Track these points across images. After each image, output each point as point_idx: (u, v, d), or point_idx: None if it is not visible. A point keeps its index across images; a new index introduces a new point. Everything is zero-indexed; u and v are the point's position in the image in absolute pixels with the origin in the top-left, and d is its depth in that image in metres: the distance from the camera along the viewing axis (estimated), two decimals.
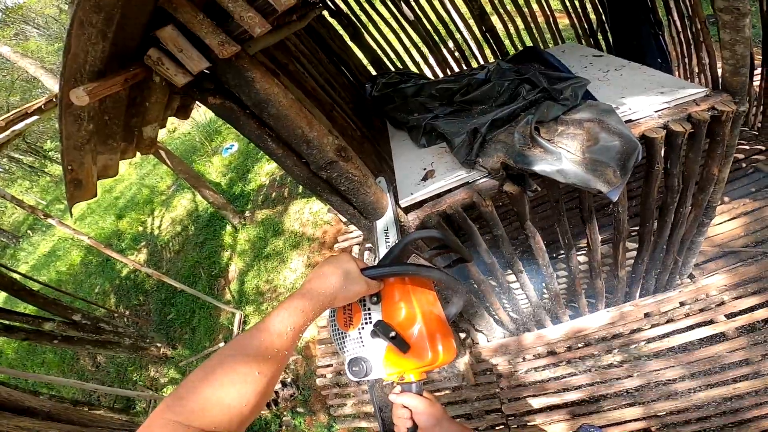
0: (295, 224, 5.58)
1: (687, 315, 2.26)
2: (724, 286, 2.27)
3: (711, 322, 2.23)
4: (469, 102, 1.80)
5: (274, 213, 5.94)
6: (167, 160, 5.04)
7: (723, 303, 2.24)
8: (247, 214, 6.24)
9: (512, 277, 2.29)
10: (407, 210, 1.63)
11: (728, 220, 2.55)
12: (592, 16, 2.88)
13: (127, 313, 6.23)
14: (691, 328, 2.23)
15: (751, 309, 2.17)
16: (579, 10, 2.86)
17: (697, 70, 2.66)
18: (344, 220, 4.43)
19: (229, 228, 6.19)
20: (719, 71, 1.63)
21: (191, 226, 6.89)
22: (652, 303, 2.32)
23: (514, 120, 1.58)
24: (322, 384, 3.05)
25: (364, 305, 0.85)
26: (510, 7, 2.92)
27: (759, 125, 2.86)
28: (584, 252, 2.18)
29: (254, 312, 5.01)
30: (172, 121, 11.12)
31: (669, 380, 2.15)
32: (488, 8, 2.82)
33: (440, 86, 2.01)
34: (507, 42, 3.00)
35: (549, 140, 1.49)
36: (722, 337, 2.22)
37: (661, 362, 2.19)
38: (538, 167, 1.42)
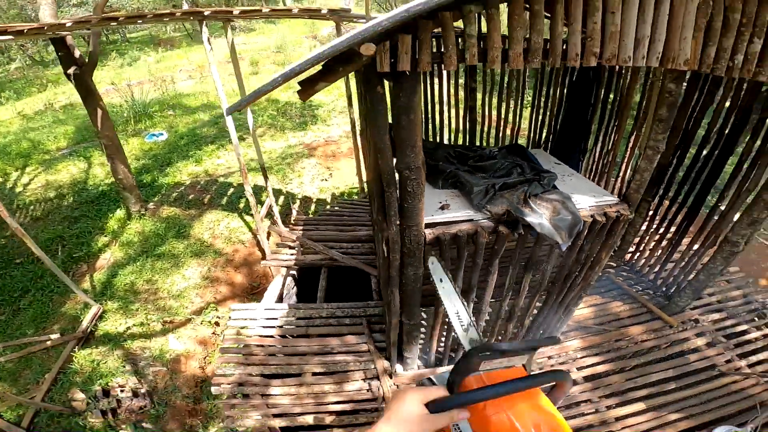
0: (206, 233, 5.26)
1: (552, 365, 3.00)
2: (578, 348, 3.13)
3: (568, 371, 2.92)
4: (479, 168, 2.43)
5: (184, 215, 5.53)
6: (98, 118, 4.59)
7: (576, 359, 3.06)
8: (151, 205, 5.67)
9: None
10: (426, 226, 2.01)
11: (584, 307, 3.48)
12: (544, 135, 3.93)
13: None
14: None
15: (595, 365, 3.03)
16: (537, 129, 3.90)
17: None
18: (284, 231, 4.41)
19: (120, 213, 5.50)
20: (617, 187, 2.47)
21: (70, 197, 5.91)
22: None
23: (513, 188, 2.19)
24: (217, 392, 2.76)
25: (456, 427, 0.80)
26: (494, 113, 3.84)
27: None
28: (512, 298, 2.67)
29: (118, 310, 4.32)
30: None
31: None
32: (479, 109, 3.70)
33: (457, 150, 2.71)
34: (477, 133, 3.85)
35: (534, 205, 2.09)
36: (575, 383, 2.88)
37: None
38: (529, 219, 1.99)
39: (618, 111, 3.50)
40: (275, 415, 2.61)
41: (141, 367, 3.77)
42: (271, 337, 3.23)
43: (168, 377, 3.72)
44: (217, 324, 4.24)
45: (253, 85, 9.18)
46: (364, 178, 5.77)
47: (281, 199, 5.99)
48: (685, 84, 2.68)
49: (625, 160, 3.72)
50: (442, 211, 2.14)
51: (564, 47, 1.46)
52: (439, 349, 2.95)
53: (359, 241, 4.48)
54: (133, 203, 5.38)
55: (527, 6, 1.39)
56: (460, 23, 1.40)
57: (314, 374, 2.89)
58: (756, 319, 3.40)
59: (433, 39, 1.55)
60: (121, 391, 3.48)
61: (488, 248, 2.16)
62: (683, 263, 3.38)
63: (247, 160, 6.92)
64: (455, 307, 1.55)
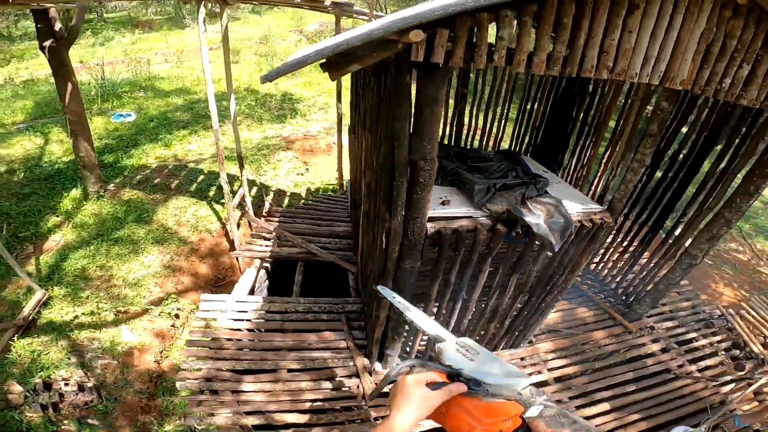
0: (170, 220, 4.96)
1: (524, 366, 3.12)
2: (549, 350, 3.28)
3: (539, 372, 3.10)
4: (476, 168, 2.49)
5: (148, 199, 5.19)
6: (67, 93, 4.25)
7: (547, 360, 3.20)
8: (111, 187, 5.28)
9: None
10: (428, 220, 2.02)
11: (554, 312, 3.61)
12: (524, 146, 4.07)
13: None
14: (529, 374, 3.01)
15: (563, 366, 3.18)
16: (519, 140, 4.03)
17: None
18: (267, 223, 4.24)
19: (76, 192, 5.07)
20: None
21: (21, 172, 5.38)
22: (507, 354, 3.14)
23: (511, 189, 2.26)
24: (182, 387, 2.59)
25: None
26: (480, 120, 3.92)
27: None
28: (497, 298, 2.72)
29: (65, 297, 3.97)
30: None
31: None
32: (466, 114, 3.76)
33: (456, 149, 2.81)
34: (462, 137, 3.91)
35: (531, 207, 2.16)
36: (545, 384, 3.03)
37: None
38: (527, 219, 2.06)
39: (596, 128, 3.70)
40: (248, 413, 2.49)
41: (88, 359, 3.48)
42: (244, 330, 3.10)
43: (119, 371, 3.45)
44: (177, 316, 4.00)
45: (234, 74, 8.88)
46: (346, 175, 5.72)
47: (254, 190, 5.79)
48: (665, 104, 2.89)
49: (598, 174, 3.94)
50: (443, 206, 2.15)
51: (581, 60, 1.54)
52: (421, 344, 2.96)
53: (337, 236, 4.42)
54: (92, 183, 4.98)
55: (556, 17, 1.45)
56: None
57: (290, 371, 2.80)
58: (703, 328, 3.70)
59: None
60: (65, 384, 3.19)
61: (483, 247, 2.20)
62: (644, 274, 3.62)
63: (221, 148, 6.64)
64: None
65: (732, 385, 3.10)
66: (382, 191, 2.00)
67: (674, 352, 3.39)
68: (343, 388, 2.72)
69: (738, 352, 3.48)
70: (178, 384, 2.63)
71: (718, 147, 3.11)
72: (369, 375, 2.81)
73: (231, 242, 4.82)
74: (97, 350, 3.57)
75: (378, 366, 2.91)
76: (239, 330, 3.08)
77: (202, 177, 5.87)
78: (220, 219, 5.17)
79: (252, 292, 3.82)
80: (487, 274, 2.36)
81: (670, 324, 3.65)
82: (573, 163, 4.04)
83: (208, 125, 7.33)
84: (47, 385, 3.19)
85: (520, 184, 2.27)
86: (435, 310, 2.56)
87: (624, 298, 3.86)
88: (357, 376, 2.81)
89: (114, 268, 4.31)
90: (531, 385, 0.87)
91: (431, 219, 2.04)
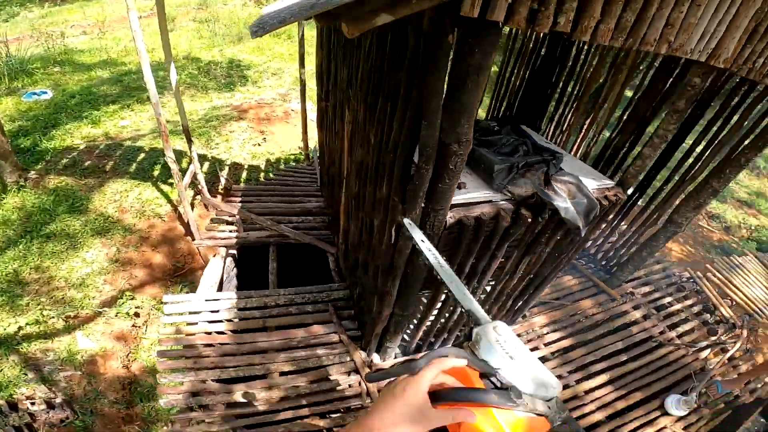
0: (110, 207, 4.30)
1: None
2: (543, 324, 3.25)
3: (537, 348, 3.07)
4: (485, 143, 2.20)
5: (79, 185, 4.44)
6: None
7: (542, 335, 3.17)
8: (33, 175, 4.44)
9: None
10: None
11: None
12: (502, 110, 3.88)
13: None
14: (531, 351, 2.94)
15: (558, 340, 3.16)
16: (497, 104, 3.86)
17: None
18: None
19: None
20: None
21: None
22: None
23: (533, 168, 2.00)
24: (168, 405, 2.23)
25: None
26: None
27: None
28: (506, 280, 2.58)
29: (2, 307, 3.33)
30: None
31: None
32: None
33: None
34: None
35: (556, 188, 1.95)
36: (545, 360, 2.99)
37: None
38: (556, 203, 1.84)
39: (578, 95, 3.58)
40: (249, 426, 2.21)
41: (48, 373, 2.98)
42: (221, 333, 2.74)
43: (86, 382, 2.99)
44: (137, 315, 3.52)
45: (170, 42, 7.78)
46: (312, 144, 5.26)
47: (206, 165, 5.18)
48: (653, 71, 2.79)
49: (578, 141, 3.86)
50: (459, 190, 1.89)
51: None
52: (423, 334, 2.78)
53: (310, 213, 4.06)
54: (8, 172, 4.14)
55: None
56: None
57: (282, 374, 2.52)
58: (675, 292, 3.87)
59: None
60: (32, 403, 2.72)
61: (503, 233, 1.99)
62: (624, 239, 3.66)
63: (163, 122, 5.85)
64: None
65: (708, 351, 3.26)
66: (395, 178, 1.70)
67: (654, 318, 3.50)
68: (344, 387, 2.51)
69: (708, 316, 3.67)
70: (161, 402, 2.28)
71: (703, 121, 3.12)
72: (369, 368, 2.60)
73: (186, 226, 4.29)
74: (54, 362, 3.07)
75: (376, 358, 2.70)
76: (217, 333, 2.72)
77: (142, 155, 5.13)
78: (170, 201, 4.57)
79: (220, 286, 3.41)
80: (500, 258, 2.17)
81: (646, 289, 3.77)
82: (551, 129, 3.93)
83: (142, 98, 6.43)
84: (12, 406, 2.72)
85: (540, 161, 2.06)
86: (443, 297, 2.37)
87: (603, 263, 3.92)
88: (356, 371, 2.59)
89: (52, 268, 3.67)
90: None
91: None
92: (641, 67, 3.61)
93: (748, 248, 6.17)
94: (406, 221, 1.64)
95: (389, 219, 1.89)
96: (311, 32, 8.46)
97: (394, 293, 2.11)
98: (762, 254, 5.07)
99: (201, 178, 4.23)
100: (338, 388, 2.51)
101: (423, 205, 1.65)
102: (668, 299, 3.72)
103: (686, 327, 3.48)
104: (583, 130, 3.78)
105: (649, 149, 2.21)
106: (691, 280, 3.99)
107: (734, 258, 4.65)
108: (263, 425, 2.25)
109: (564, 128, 3.87)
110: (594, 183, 2.21)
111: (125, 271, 3.83)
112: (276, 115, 6.45)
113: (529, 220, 1.90)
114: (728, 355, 3.09)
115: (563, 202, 1.86)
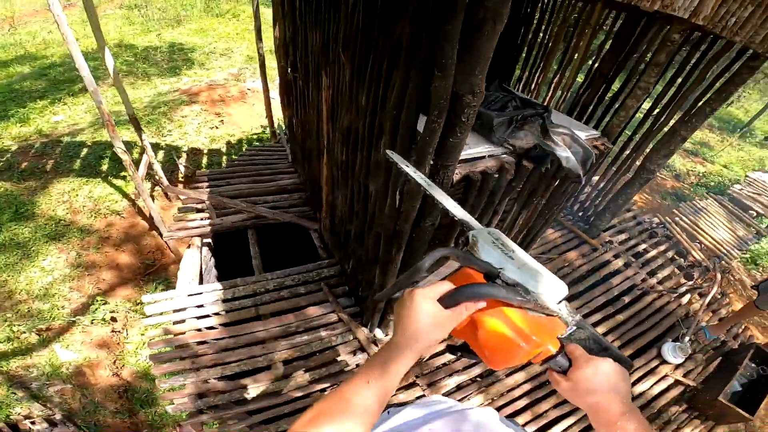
0: (60, 209, 3.88)
1: None
2: None
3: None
4: None
5: (19, 189, 3.96)
6: None
7: None
8: None
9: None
10: None
11: None
12: None
13: None
14: None
15: None
16: None
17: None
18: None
19: None
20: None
21: None
22: None
23: (530, 121, 1.96)
24: (177, 411, 2.06)
25: None
26: None
27: None
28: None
29: None
30: None
31: None
32: None
33: None
34: None
35: (555, 138, 1.92)
36: None
37: None
38: (557, 152, 1.83)
39: (544, 54, 3.59)
40: (265, 422, 2.09)
41: (36, 389, 2.71)
42: (214, 328, 2.57)
43: (80, 394, 2.74)
44: (113, 320, 3.24)
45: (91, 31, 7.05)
46: (278, 121, 4.99)
47: (161, 154, 4.80)
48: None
49: (547, 99, 3.89)
50: None
51: None
52: None
53: (285, 191, 3.87)
54: None
55: None
56: None
57: (286, 362, 2.40)
58: (648, 238, 4.06)
59: None
60: (32, 423, 2.46)
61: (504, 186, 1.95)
62: (600, 187, 3.77)
63: (98, 114, 5.31)
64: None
65: (688, 296, 3.45)
66: (400, 136, 1.59)
67: (635, 266, 3.64)
68: (352, 367, 2.43)
69: (682, 260, 3.88)
70: (169, 409, 2.10)
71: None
72: (375, 345, 2.54)
73: (149, 220, 3.99)
74: (39, 378, 2.81)
75: (379, 333, 2.64)
76: (208, 329, 2.54)
77: (85, 150, 4.67)
78: (125, 196, 4.21)
79: (201, 278, 3.19)
80: (501, 214, 2.15)
81: (622, 237, 3.92)
82: (519, 88, 3.94)
83: (74, 90, 5.84)
84: (13, 427, 2.45)
85: (534, 114, 2.01)
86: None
87: (581, 214, 4.04)
88: (363, 350, 2.52)
89: (10, 281, 3.28)
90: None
91: None
92: (605, 26, 3.65)
93: (698, 193, 6.64)
94: (389, 152, 1.54)
95: (392, 182, 1.78)
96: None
97: (398, 261, 2.04)
98: (720, 197, 5.42)
99: (158, 167, 3.90)
100: (347, 369, 2.43)
101: (432, 162, 1.56)
102: (643, 246, 3.89)
103: (665, 273, 3.66)
104: (551, 90, 3.81)
105: (632, 100, 2.25)
106: (661, 226, 4.21)
107: (696, 202, 4.97)
108: (280, 418, 2.14)
109: (533, 88, 3.88)
110: (583, 134, 2.21)
111: (91, 275, 3.51)
112: (231, 96, 6.05)
113: (531, 170, 1.88)
114: (708, 299, 3.22)
115: (564, 152, 1.85)
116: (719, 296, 3.59)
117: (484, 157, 1.83)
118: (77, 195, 4.06)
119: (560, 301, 0.69)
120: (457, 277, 0.72)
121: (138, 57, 7.16)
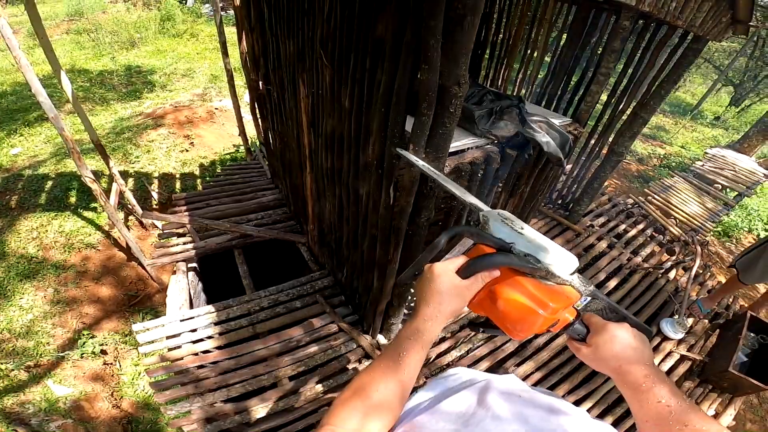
0: (30, 246, 3.68)
1: None
2: None
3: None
4: None
5: None
6: None
7: None
8: None
9: None
10: None
11: None
12: None
13: None
14: None
15: None
16: None
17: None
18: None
19: None
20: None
21: None
22: None
23: (508, 111, 2.03)
24: None
25: None
26: None
27: None
28: None
29: None
30: None
31: None
32: None
33: None
34: None
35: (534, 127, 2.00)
36: None
37: None
38: (537, 138, 1.91)
39: (507, 51, 3.71)
40: None
41: (36, 425, 2.54)
42: (211, 351, 2.48)
43: (83, 429, 2.58)
44: (104, 353, 3.09)
45: (40, 57, 6.77)
46: (251, 138, 4.93)
47: (131, 182, 4.64)
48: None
49: (514, 92, 4.01)
50: None
51: None
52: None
53: (268, 208, 3.82)
54: None
55: None
56: None
57: (291, 378, 2.35)
58: (626, 219, 4.22)
59: None
60: None
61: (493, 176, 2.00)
62: (578, 175, 3.91)
63: (59, 143, 5.11)
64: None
65: (674, 271, 3.59)
66: (390, 134, 1.61)
67: (619, 246, 3.77)
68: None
69: (661, 237, 4.05)
70: None
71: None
72: (379, 351, 2.52)
73: (126, 250, 3.84)
74: (37, 414, 2.64)
75: (382, 339, 2.63)
76: (203, 352, 2.46)
77: (50, 183, 4.46)
78: (98, 227, 4.04)
79: (191, 303, 3.09)
80: (490, 203, 2.20)
81: (602, 220, 4.07)
82: (487, 85, 4.06)
83: (29, 119, 5.58)
84: None
85: (510, 105, 2.08)
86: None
87: (560, 202, 4.17)
88: (367, 357, 2.50)
89: None
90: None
91: None
92: (558, 21, 3.80)
93: (662, 174, 6.98)
94: (400, 151, 1.57)
95: (384, 181, 1.80)
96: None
97: (397, 260, 2.04)
98: (685, 173, 5.71)
99: (130, 195, 3.75)
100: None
101: (424, 155, 1.58)
102: (623, 226, 4.04)
103: (647, 250, 3.80)
104: (517, 83, 3.94)
105: (596, 86, 2.37)
106: (636, 206, 4.39)
107: (664, 180, 5.22)
108: None
109: (499, 84, 4.00)
110: (557, 121, 2.31)
111: (73, 310, 3.34)
112: (199, 117, 5.94)
113: (515, 158, 1.94)
114: (693, 272, 3.30)
115: (543, 137, 1.92)
116: (701, 270, 3.74)
117: (470, 149, 1.88)
118: (46, 231, 3.86)
119: (572, 273, 0.71)
120: (472, 253, 0.75)
121: (93, 82, 6.91)
